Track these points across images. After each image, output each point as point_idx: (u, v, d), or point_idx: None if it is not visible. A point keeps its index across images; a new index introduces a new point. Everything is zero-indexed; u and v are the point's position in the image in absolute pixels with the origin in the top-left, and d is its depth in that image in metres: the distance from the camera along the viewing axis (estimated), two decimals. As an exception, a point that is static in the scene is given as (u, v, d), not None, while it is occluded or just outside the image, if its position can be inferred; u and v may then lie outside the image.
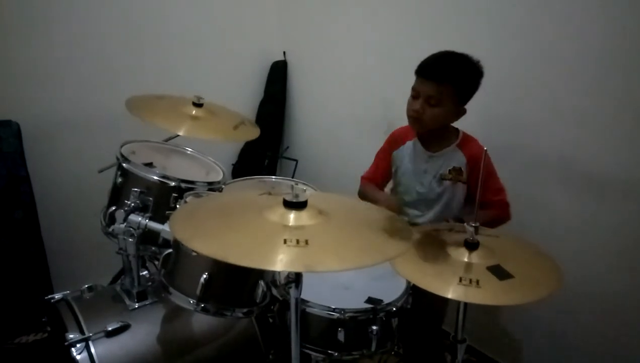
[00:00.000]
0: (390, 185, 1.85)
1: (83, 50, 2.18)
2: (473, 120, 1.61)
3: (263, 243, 0.96)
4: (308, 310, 1.35)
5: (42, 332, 2.09)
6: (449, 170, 1.63)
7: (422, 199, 1.69)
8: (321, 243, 0.97)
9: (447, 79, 1.52)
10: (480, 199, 1.61)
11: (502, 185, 1.65)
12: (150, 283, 1.51)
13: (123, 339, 1.34)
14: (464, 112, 1.59)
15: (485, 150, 1.24)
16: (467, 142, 1.64)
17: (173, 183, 1.46)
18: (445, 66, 1.53)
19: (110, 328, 1.32)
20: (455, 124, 1.66)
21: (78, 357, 1.26)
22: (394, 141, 1.77)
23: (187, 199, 1.40)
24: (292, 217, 1.02)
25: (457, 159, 1.63)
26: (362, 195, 1.81)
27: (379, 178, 1.82)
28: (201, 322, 1.46)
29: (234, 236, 1.00)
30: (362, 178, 1.87)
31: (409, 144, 1.72)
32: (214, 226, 1.05)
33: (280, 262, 0.91)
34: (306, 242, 0.95)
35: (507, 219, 1.64)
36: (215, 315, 1.30)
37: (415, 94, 1.57)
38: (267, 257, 0.92)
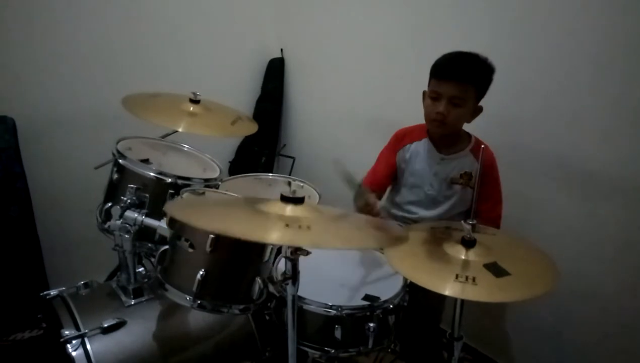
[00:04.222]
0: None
1: (79, 45, 2.17)
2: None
3: (265, 226, 0.96)
4: (305, 307, 1.35)
5: (37, 329, 2.08)
6: (461, 174, 1.62)
7: (430, 199, 1.69)
8: (322, 228, 0.98)
9: (471, 79, 1.51)
10: (480, 208, 1.62)
11: (501, 198, 1.65)
12: (146, 279, 1.50)
13: (119, 336, 1.33)
14: (480, 110, 1.58)
15: (484, 147, 1.24)
16: (479, 147, 1.62)
17: (169, 180, 1.46)
18: (467, 66, 1.52)
19: (106, 325, 1.32)
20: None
21: (74, 354, 1.26)
22: (398, 141, 1.75)
23: (184, 196, 1.40)
24: (289, 209, 1.03)
25: (469, 163, 1.62)
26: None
27: (379, 180, 1.77)
28: (197, 318, 1.46)
29: (234, 215, 1.00)
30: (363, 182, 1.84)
31: (417, 144, 1.69)
32: (213, 210, 1.05)
33: (286, 236, 0.92)
34: (308, 227, 0.95)
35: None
36: (211, 312, 1.30)
37: (436, 96, 1.54)
38: (271, 232, 0.93)
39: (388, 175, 1.76)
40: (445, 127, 1.56)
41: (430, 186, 1.66)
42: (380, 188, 1.77)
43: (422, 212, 1.69)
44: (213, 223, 0.94)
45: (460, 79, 1.50)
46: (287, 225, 0.95)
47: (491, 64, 1.54)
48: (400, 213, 1.75)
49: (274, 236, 0.92)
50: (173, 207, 1.06)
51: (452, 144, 1.64)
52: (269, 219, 0.99)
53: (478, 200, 1.59)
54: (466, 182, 1.63)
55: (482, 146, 1.25)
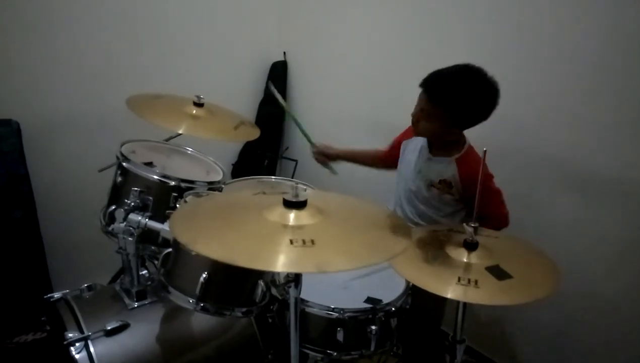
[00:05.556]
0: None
1: (83, 49, 2.19)
2: (473, 121, 1.61)
3: (269, 244, 0.96)
4: (307, 309, 1.35)
5: (41, 331, 2.09)
6: (440, 180, 1.61)
7: (413, 196, 1.69)
8: (326, 242, 0.97)
9: (439, 101, 1.48)
10: (481, 213, 1.61)
11: (503, 200, 1.62)
12: (149, 282, 1.51)
13: (122, 338, 1.34)
14: (459, 134, 1.57)
15: (485, 150, 1.24)
16: (467, 158, 1.59)
17: (173, 183, 1.47)
18: (444, 87, 1.48)
19: (109, 328, 1.32)
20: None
21: (77, 356, 1.26)
22: (409, 130, 1.74)
23: (187, 199, 1.40)
24: (292, 216, 1.02)
25: (450, 172, 1.59)
26: None
27: (388, 156, 1.84)
28: (200, 321, 1.46)
29: (237, 237, 1.00)
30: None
31: (419, 139, 1.70)
32: (216, 227, 1.05)
33: (291, 264, 0.91)
34: (312, 241, 0.95)
35: (504, 227, 1.64)
36: (214, 315, 1.30)
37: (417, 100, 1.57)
38: (276, 258, 0.92)
39: (396, 157, 1.80)
40: (416, 130, 1.60)
41: (412, 182, 1.67)
42: (389, 162, 1.83)
43: (405, 206, 1.71)
44: (216, 250, 0.94)
45: (430, 97, 1.50)
46: (291, 242, 0.94)
47: (490, 96, 1.47)
48: (393, 200, 1.79)
49: (279, 262, 0.91)
50: (176, 226, 1.06)
51: (443, 148, 1.63)
52: (272, 235, 0.98)
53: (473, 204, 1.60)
54: (443, 189, 1.60)
55: (485, 150, 1.24)
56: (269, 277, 1.37)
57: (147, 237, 1.42)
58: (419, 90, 1.59)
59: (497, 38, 1.86)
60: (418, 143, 1.70)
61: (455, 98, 1.47)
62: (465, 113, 1.50)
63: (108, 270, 1.92)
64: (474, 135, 1.68)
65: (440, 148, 1.64)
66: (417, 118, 1.57)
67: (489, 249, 1.18)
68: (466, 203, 1.62)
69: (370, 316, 1.36)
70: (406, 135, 1.77)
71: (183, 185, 1.47)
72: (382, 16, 2.29)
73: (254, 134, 1.83)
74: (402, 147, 1.78)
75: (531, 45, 1.78)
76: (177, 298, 1.28)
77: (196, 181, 1.51)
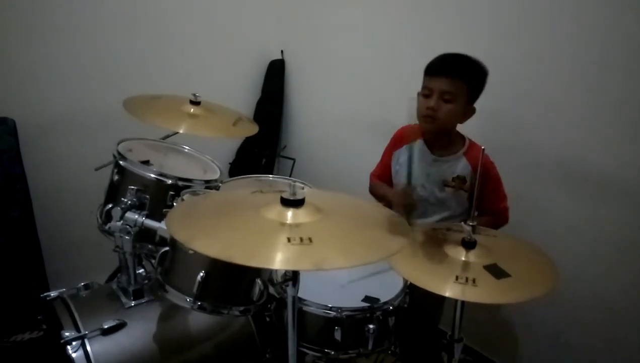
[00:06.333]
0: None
1: (79, 47, 2.17)
2: (473, 120, 1.60)
3: (267, 242, 0.95)
4: (305, 308, 1.35)
5: (37, 330, 2.08)
6: (453, 177, 1.61)
7: (422, 201, 1.68)
8: (324, 240, 0.96)
9: (461, 75, 1.52)
10: (485, 206, 1.62)
11: (505, 192, 1.66)
12: (146, 281, 1.50)
13: (119, 337, 1.33)
14: (473, 111, 1.58)
15: (483, 149, 1.24)
16: (473, 151, 1.62)
17: (170, 181, 1.46)
18: (458, 63, 1.54)
19: (106, 326, 1.32)
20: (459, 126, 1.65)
21: (74, 355, 1.26)
22: (396, 142, 1.76)
23: (184, 197, 1.40)
24: (290, 214, 1.02)
25: (462, 166, 1.61)
26: (373, 193, 1.81)
27: (386, 175, 1.81)
28: (198, 320, 1.46)
29: (235, 235, 0.99)
30: (371, 175, 1.86)
31: (413, 145, 1.68)
32: (213, 225, 1.05)
33: (288, 261, 0.91)
34: (310, 239, 0.94)
35: (504, 224, 1.66)
36: (211, 314, 1.30)
37: (428, 93, 1.55)
38: (273, 256, 0.92)
39: (390, 172, 1.79)
40: (436, 123, 1.55)
41: (422, 188, 1.66)
42: (388, 182, 1.80)
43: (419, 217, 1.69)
44: (213, 248, 0.94)
45: (451, 73, 1.52)
46: (288, 240, 0.93)
47: (484, 66, 1.54)
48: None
49: (276, 259, 0.91)
50: (173, 224, 1.05)
51: (446, 145, 1.64)
52: (270, 233, 0.98)
53: (482, 199, 1.60)
54: (459, 185, 1.62)
55: (482, 148, 1.24)
56: (267, 276, 1.37)
57: (144, 235, 1.42)
58: (419, 89, 1.59)
59: (497, 37, 1.85)
60: (413, 149, 1.68)
61: (471, 67, 1.53)
62: (479, 81, 1.55)
63: (105, 269, 1.91)
64: (473, 134, 1.69)
65: (443, 147, 1.64)
66: (436, 107, 1.53)
67: (487, 248, 1.18)
68: (471, 200, 1.62)
69: (368, 315, 1.36)
70: (397, 145, 1.75)
71: (180, 183, 1.47)
72: (381, 14, 2.28)
73: (253, 129, 1.82)
74: (393, 158, 1.76)
75: (531, 45, 1.78)
76: (175, 297, 1.27)
77: (193, 179, 1.51)
